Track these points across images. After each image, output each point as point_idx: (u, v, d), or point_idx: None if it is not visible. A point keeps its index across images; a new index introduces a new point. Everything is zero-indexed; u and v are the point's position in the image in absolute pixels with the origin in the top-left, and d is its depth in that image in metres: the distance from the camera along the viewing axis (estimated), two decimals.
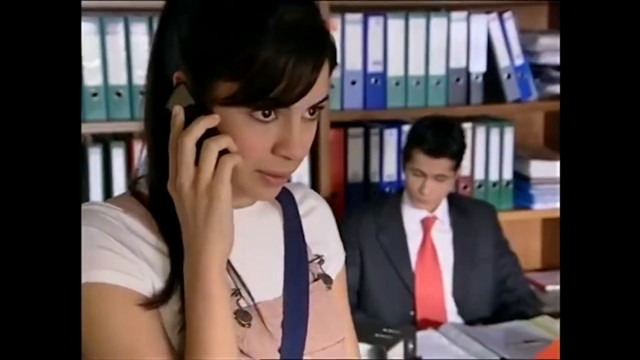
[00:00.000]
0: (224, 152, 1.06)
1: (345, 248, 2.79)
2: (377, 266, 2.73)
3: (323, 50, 1.08)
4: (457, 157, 2.67)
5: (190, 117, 1.07)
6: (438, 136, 2.63)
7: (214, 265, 1.06)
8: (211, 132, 1.07)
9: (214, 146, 1.05)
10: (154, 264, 1.10)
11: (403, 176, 2.82)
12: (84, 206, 1.13)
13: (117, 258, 1.08)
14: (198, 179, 1.05)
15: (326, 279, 1.24)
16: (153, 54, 1.14)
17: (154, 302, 1.08)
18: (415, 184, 2.68)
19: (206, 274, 1.06)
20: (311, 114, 1.10)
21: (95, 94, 2.61)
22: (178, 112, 1.07)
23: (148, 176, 1.16)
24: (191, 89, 1.08)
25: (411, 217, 2.77)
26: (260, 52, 1.03)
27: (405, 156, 2.70)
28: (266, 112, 1.06)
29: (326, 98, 1.10)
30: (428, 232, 2.76)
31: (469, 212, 2.79)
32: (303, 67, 1.05)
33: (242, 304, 1.12)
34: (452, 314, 2.73)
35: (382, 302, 2.71)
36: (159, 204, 1.12)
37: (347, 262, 2.73)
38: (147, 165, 1.16)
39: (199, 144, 1.06)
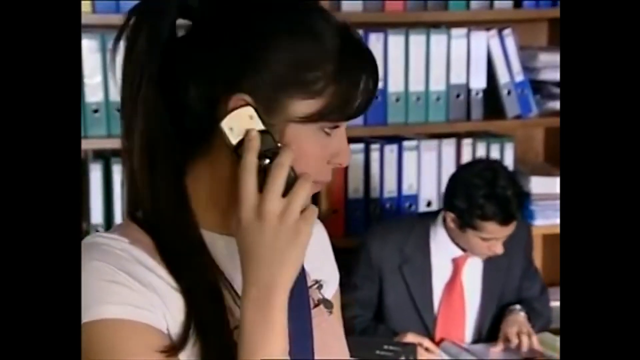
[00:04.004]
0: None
1: (364, 266, 2.75)
2: (397, 302, 2.63)
3: (376, 63, 1.11)
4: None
5: (261, 141, 1.06)
6: (506, 204, 2.48)
7: (284, 295, 1.04)
8: (275, 154, 1.06)
9: (309, 185, 1.05)
10: (165, 296, 1.07)
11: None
12: (87, 240, 1.10)
13: (129, 292, 1.05)
14: (288, 212, 1.03)
15: (327, 304, 1.23)
16: (156, 75, 1.09)
17: (172, 348, 1.05)
18: (484, 245, 2.55)
19: (276, 303, 1.03)
20: None
21: (96, 111, 2.62)
22: (254, 138, 1.05)
23: (153, 208, 1.10)
24: (261, 111, 1.06)
25: (441, 252, 2.65)
26: (336, 68, 1.06)
27: (465, 224, 2.52)
28: (336, 126, 1.09)
29: None
30: (458, 272, 2.65)
31: None
32: (371, 80, 1.09)
33: None
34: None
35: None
36: (171, 240, 1.09)
37: (365, 278, 2.70)
38: (148, 195, 1.10)
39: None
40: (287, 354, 1.05)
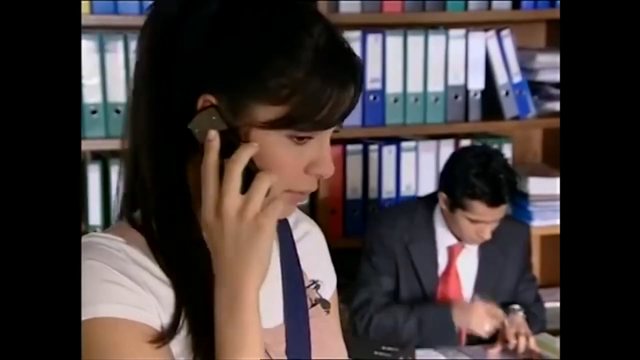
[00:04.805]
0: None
1: (378, 257, 2.77)
2: (407, 281, 2.66)
3: (361, 72, 1.08)
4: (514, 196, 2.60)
5: (225, 142, 1.05)
6: (495, 185, 2.49)
7: (252, 294, 1.04)
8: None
9: (268, 179, 1.04)
10: (160, 296, 1.07)
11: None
12: (83, 239, 1.09)
13: (124, 291, 1.05)
14: (247, 208, 1.03)
15: (324, 304, 1.23)
16: (151, 70, 1.09)
17: (163, 338, 1.05)
18: (471, 228, 2.56)
19: (245, 302, 1.03)
20: (335, 131, 1.11)
21: (94, 112, 2.62)
22: (214, 138, 1.05)
23: (145, 204, 1.11)
24: (225, 113, 1.05)
25: (440, 239, 2.67)
26: (305, 76, 1.03)
27: (455, 203, 2.55)
28: (306, 135, 1.06)
29: None
30: (453, 260, 2.67)
31: (502, 231, 2.61)
32: (347, 91, 1.05)
33: None
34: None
35: None
36: (163, 235, 1.09)
37: (383, 272, 2.72)
38: (141, 191, 1.10)
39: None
40: (264, 355, 1.05)
